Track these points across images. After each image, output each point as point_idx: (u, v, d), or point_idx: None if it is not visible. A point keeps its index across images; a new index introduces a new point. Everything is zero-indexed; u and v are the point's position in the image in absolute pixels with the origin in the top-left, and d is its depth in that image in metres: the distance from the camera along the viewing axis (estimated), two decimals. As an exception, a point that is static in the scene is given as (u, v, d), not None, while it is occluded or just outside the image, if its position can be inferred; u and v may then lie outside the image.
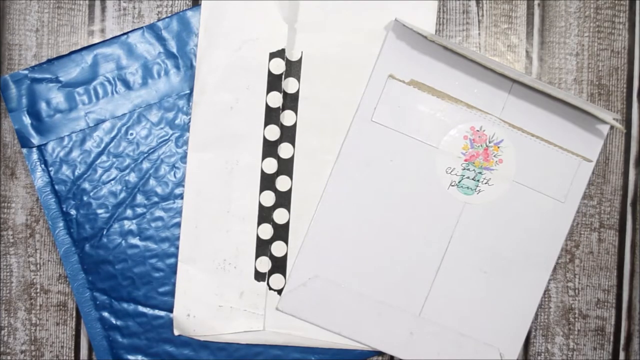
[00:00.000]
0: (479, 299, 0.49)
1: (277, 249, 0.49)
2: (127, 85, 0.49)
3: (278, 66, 0.48)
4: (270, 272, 0.49)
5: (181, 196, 0.49)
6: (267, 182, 0.49)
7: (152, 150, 0.49)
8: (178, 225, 0.49)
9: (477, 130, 0.49)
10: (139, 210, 0.49)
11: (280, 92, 0.49)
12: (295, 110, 0.49)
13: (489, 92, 0.48)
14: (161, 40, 0.49)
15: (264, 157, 0.49)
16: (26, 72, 0.48)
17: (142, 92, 0.49)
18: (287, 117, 0.49)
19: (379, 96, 0.48)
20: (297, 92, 0.49)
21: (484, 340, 0.50)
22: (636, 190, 0.52)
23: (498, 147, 0.49)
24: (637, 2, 0.51)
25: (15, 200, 0.50)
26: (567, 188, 0.49)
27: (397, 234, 0.49)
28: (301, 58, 0.49)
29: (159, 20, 0.49)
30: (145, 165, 0.49)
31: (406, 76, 0.48)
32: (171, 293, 0.49)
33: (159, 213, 0.49)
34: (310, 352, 0.50)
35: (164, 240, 0.49)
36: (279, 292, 0.49)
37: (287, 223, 0.49)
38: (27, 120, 0.48)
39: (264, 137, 0.49)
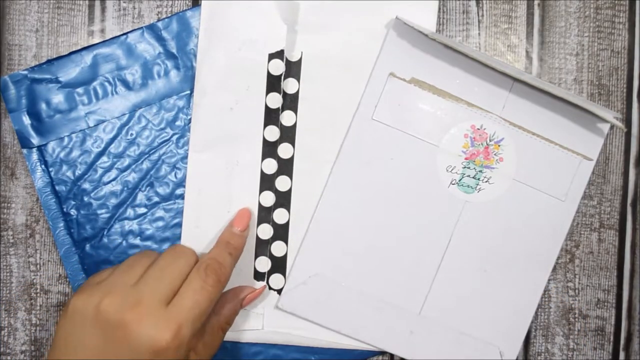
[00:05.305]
0: (479, 297, 0.49)
1: (277, 249, 0.49)
2: (127, 86, 0.49)
3: (277, 67, 0.48)
4: (270, 272, 0.49)
5: (182, 197, 0.49)
6: (267, 182, 0.49)
7: (152, 150, 0.49)
8: (179, 225, 0.49)
9: (478, 129, 0.49)
10: (140, 210, 0.49)
11: (280, 93, 0.49)
12: (295, 110, 0.49)
13: (490, 91, 0.48)
14: (161, 40, 0.49)
15: (263, 158, 0.49)
16: (26, 72, 0.48)
17: (142, 92, 0.49)
18: (287, 118, 0.49)
19: (379, 94, 0.48)
20: (297, 92, 0.49)
21: (484, 338, 0.50)
22: (636, 190, 0.52)
23: (499, 146, 0.49)
24: (637, 2, 0.51)
25: (15, 200, 0.50)
26: (567, 187, 0.49)
27: (397, 233, 0.49)
28: (301, 58, 0.49)
29: (158, 20, 0.49)
30: (146, 165, 0.49)
31: (407, 74, 0.48)
32: (171, 293, 0.49)
33: (159, 213, 0.49)
34: (310, 352, 0.50)
35: (165, 241, 0.49)
36: (279, 291, 0.49)
37: (287, 223, 0.49)
38: (27, 120, 0.48)
39: (264, 138, 0.49)
